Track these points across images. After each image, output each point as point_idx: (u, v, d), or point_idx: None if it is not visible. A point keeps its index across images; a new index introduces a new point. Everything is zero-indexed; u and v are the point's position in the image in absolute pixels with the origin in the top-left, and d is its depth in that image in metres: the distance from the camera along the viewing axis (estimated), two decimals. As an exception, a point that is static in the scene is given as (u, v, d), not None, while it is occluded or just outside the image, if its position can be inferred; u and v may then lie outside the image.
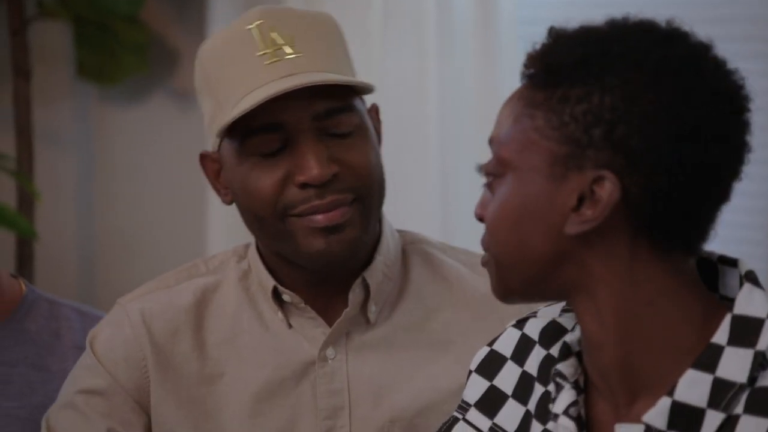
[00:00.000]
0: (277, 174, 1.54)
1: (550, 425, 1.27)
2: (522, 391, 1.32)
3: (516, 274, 1.24)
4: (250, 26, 1.55)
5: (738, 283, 1.24)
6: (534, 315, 1.36)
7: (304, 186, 1.54)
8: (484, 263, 1.28)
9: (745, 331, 1.18)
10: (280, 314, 1.62)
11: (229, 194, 1.63)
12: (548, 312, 1.34)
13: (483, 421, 1.35)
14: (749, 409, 1.16)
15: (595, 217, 1.18)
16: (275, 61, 1.53)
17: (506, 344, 1.36)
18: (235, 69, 1.55)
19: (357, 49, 2.83)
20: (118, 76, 3.10)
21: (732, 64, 1.23)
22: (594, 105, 1.18)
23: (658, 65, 1.19)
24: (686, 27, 1.23)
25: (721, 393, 1.17)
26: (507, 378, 1.34)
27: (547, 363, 1.31)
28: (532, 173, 1.21)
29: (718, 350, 1.18)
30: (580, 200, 1.19)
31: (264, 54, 1.53)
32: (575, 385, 1.26)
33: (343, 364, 1.61)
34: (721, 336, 1.19)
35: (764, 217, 2.72)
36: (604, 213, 1.18)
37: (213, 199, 3.01)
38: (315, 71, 1.53)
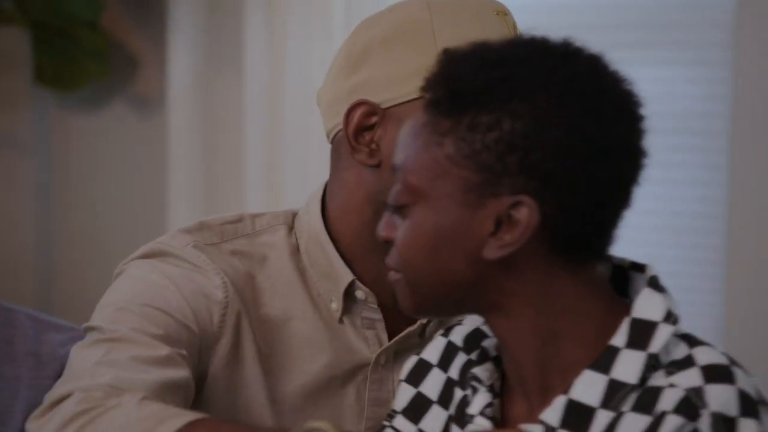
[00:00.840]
0: None
1: (469, 429, 1.29)
2: (445, 397, 1.34)
3: (430, 295, 1.25)
4: (497, 13, 1.49)
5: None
6: (460, 322, 1.38)
7: None
8: (393, 281, 1.28)
9: (640, 334, 1.22)
10: (335, 304, 1.52)
11: (376, 156, 1.48)
12: (475, 319, 1.36)
13: (408, 427, 1.36)
14: (635, 407, 1.19)
15: (514, 240, 1.20)
16: None
17: (433, 352, 1.38)
18: None
19: (320, 46, 2.83)
20: (78, 83, 3.08)
21: (626, 71, 1.24)
22: (505, 132, 1.19)
23: (563, 87, 1.20)
24: (578, 42, 1.24)
25: (614, 393, 1.20)
26: (432, 384, 1.36)
27: (467, 368, 1.33)
28: (446, 200, 1.21)
29: (615, 352, 1.21)
30: (498, 225, 1.20)
31: None
32: (491, 389, 1.28)
33: (390, 373, 1.55)
34: (619, 339, 1.22)
35: (722, 223, 2.73)
36: (524, 236, 1.20)
37: (172, 206, 3.00)
38: None
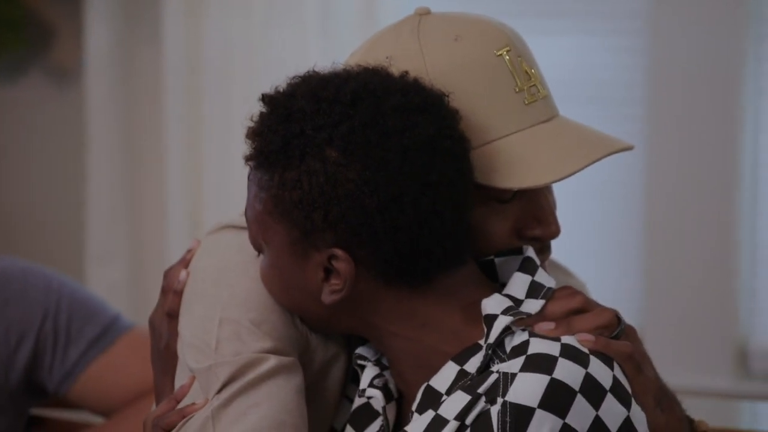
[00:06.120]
0: (508, 223, 1.35)
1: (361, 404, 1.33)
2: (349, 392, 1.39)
3: (307, 320, 1.32)
4: (500, 52, 1.36)
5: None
6: None
7: (533, 240, 1.35)
8: None
9: (488, 328, 1.26)
10: None
11: None
12: None
13: None
14: (463, 387, 1.24)
15: (341, 287, 1.26)
16: (532, 102, 1.36)
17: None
18: (492, 101, 1.35)
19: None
20: (-8, 53, 3.05)
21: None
22: (305, 191, 1.24)
23: (347, 140, 1.23)
24: (374, 79, 1.26)
25: (458, 381, 1.25)
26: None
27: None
28: (279, 251, 1.27)
29: (477, 348, 1.26)
30: (328, 272, 1.26)
31: (521, 91, 1.36)
32: (377, 363, 1.33)
33: None
34: (481, 335, 1.26)
35: (640, 191, 2.77)
36: (348, 283, 1.25)
37: (91, 177, 2.98)
38: (559, 114, 1.38)
